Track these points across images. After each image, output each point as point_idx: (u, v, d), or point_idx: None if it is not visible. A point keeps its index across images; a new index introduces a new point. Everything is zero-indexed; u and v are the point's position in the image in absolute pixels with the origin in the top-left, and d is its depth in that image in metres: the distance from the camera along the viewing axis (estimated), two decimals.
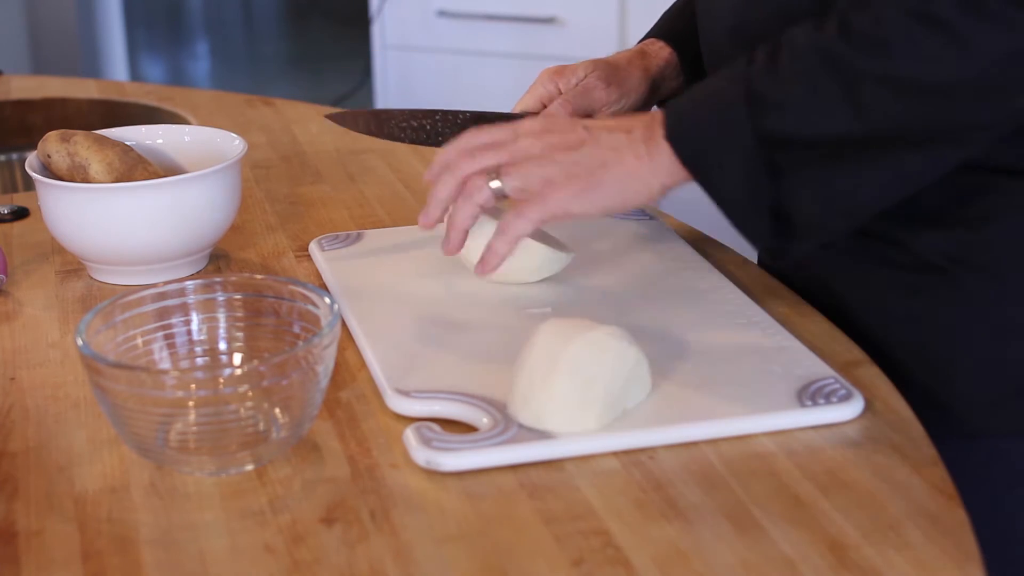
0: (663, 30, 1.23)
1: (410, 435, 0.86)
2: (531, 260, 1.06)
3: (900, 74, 0.86)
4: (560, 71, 1.15)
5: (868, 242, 1.02)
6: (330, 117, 1.19)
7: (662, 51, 1.20)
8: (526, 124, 0.97)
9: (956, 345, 1.00)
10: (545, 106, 1.14)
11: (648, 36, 1.24)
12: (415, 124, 1.14)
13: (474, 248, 1.02)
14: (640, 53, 1.20)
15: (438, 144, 1.14)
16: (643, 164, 0.92)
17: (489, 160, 0.95)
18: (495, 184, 0.95)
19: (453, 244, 0.98)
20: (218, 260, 1.20)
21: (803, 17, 0.91)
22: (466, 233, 0.98)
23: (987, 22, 0.83)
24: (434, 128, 1.14)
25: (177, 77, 5.17)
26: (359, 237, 1.20)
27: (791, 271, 1.12)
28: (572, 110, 1.12)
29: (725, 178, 0.91)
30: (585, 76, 1.14)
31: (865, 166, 0.89)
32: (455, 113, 1.14)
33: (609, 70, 1.15)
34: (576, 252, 1.11)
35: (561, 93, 1.14)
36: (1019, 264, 0.98)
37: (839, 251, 1.04)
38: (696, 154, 0.91)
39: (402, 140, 1.15)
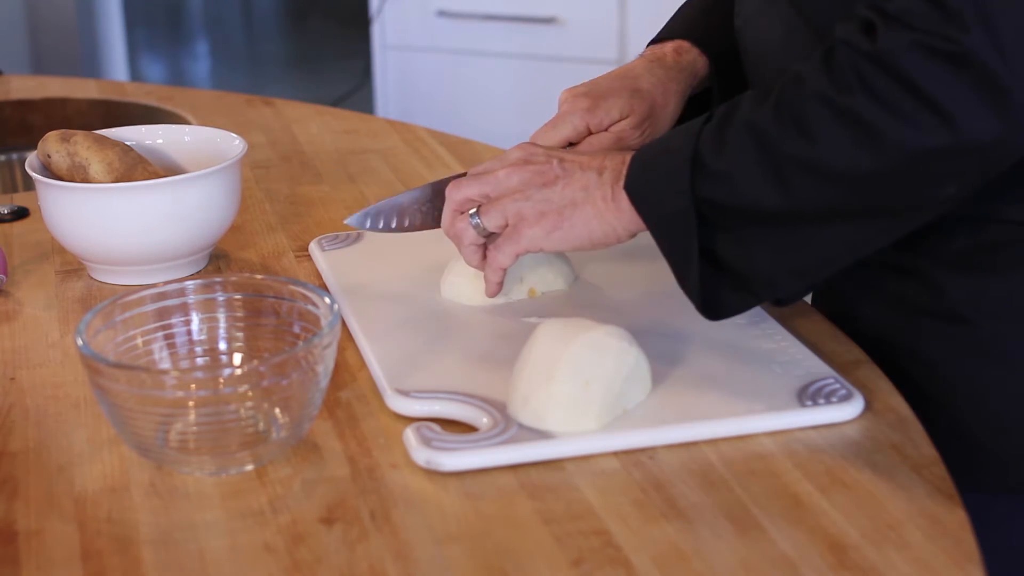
0: (696, 31, 1.15)
1: (410, 435, 0.86)
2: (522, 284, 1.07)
3: (821, 163, 0.86)
4: (592, 108, 1.07)
5: (901, 282, 1.00)
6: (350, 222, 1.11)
7: (697, 62, 1.14)
8: (510, 155, 0.99)
9: (984, 400, 0.98)
10: (571, 144, 1.08)
11: (674, 34, 1.16)
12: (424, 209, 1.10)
13: (454, 281, 1.06)
14: (676, 69, 1.13)
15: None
16: (609, 207, 0.95)
17: (472, 190, 0.99)
18: (475, 222, 0.99)
19: (489, 288, 1.03)
20: (218, 260, 1.20)
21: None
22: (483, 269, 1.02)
23: (900, 121, 0.82)
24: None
25: (177, 77, 5.17)
26: (359, 237, 1.20)
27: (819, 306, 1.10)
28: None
29: (669, 232, 0.92)
30: (620, 118, 1.08)
31: (799, 235, 0.89)
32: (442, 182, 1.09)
33: (645, 110, 1.09)
34: (577, 277, 1.10)
35: (591, 132, 1.08)
36: None
37: (872, 291, 1.02)
38: (648, 208, 0.93)
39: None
